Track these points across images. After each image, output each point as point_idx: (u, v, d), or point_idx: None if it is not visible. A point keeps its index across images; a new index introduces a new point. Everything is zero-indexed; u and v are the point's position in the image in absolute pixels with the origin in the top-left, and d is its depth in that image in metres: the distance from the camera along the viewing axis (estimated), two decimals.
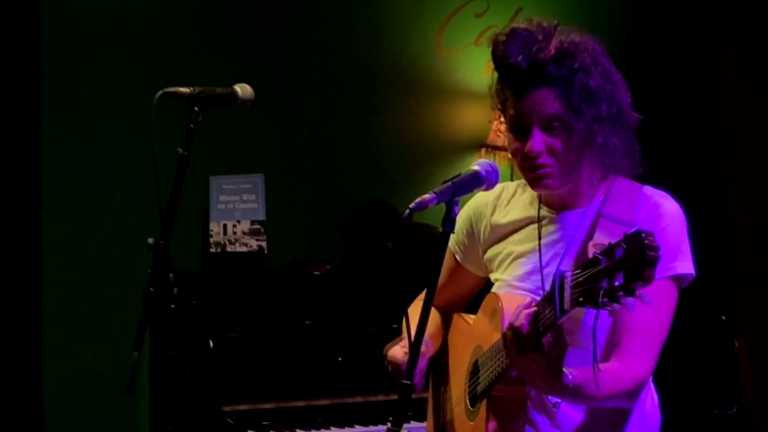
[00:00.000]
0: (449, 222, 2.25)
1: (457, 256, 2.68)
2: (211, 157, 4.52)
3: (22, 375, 4.52)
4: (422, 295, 2.75)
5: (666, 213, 2.38)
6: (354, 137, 5.14)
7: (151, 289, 2.64)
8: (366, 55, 5.16)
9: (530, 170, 2.39)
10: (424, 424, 2.86)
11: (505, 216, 2.56)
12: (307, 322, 4.30)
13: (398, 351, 2.55)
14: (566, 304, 2.04)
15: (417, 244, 4.70)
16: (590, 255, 1.98)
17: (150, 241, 2.64)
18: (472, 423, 2.44)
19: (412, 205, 2.21)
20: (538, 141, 2.36)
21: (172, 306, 2.56)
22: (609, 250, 1.94)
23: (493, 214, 2.59)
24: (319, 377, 4.20)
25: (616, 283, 1.91)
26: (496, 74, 2.44)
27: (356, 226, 4.71)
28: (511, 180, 2.67)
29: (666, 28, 5.53)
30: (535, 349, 2.15)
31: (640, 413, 2.43)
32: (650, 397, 2.47)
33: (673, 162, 5.36)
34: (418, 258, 4.62)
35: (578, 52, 2.35)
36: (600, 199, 2.43)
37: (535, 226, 2.48)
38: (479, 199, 2.61)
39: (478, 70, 5.33)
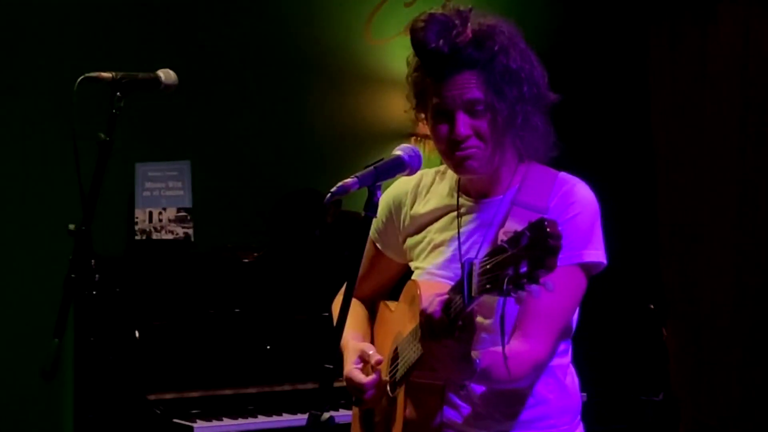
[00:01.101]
0: (371, 207, 2.24)
1: (377, 244, 2.68)
2: (137, 143, 4.48)
3: None
4: (343, 289, 2.77)
5: (578, 201, 2.39)
6: (283, 124, 5.13)
7: (73, 275, 2.61)
8: (296, 42, 5.14)
9: (455, 154, 2.40)
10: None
11: (425, 205, 2.57)
12: (235, 310, 4.28)
13: (356, 372, 2.52)
14: (474, 291, 2.05)
15: (344, 231, 4.72)
16: (499, 242, 2.00)
17: (71, 227, 2.62)
18: (390, 409, 2.45)
19: (333, 189, 2.19)
20: (463, 125, 2.37)
21: (94, 292, 2.54)
22: (515, 238, 1.95)
23: (413, 204, 2.59)
24: (247, 365, 4.19)
25: (521, 271, 1.92)
26: (413, 62, 2.44)
27: (283, 213, 4.70)
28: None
29: (593, 18, 5.58)
30: (446, 334, 2.15)
31: (561, 392, 2.45)
32: (570, 375, 2.49)
33: (601, 152, 5.41)
34: (346, 246, 4.64)
35: (496, 34, 2.36)
36: (516, 186, 2.44)
37: (455, 214, 2.49)
38: (398, 187, 2.61)
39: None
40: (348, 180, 2.22)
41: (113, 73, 2.68)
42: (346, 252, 4.61)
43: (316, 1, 5.20)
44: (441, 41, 2.33)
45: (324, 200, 2.17)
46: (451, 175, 2.55)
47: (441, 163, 2.57)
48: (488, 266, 2.01)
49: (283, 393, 4.21)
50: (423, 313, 2.19)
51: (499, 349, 2.21)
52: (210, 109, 4.93)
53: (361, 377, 2.48)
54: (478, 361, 2.21)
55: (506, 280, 1.93)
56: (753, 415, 5.04)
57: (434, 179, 2.59)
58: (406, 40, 5.29)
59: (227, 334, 4.23)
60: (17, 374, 4.50)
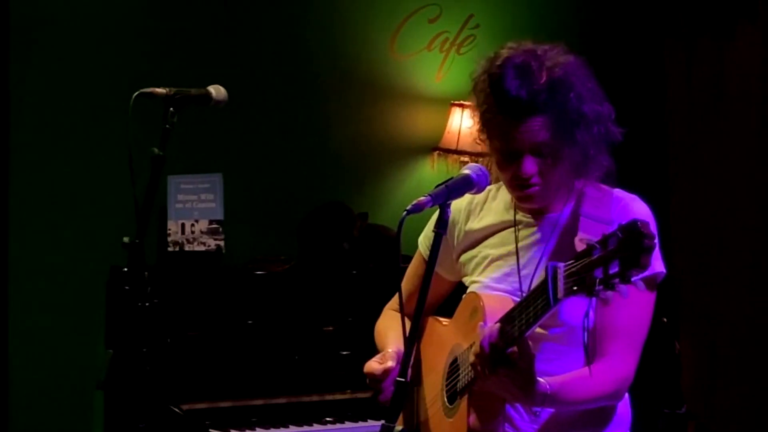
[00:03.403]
0: (442, 224, 2.31)
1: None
2: (169, 156, 4.52)
3: None
4: (390, 304, 2.83)
5: (638, 214, 2.44)
6: (310, 139, 5.18)
7: (127, 288, 2.65)
8: (322, 59, 5.20)
9: (520, 189, 2.46)
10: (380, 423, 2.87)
11: (480, 221, 2.62)
12: (264, 321, 4.32)
13: (372, 363, 2.61)
14: (560, 293, 2.10)
15: (372, 245, 4.78)
16: (578, 249, 2.05)
17: (125, 239, 2.66)
18: (450, 420, 2.48)
19: (409, 207, 2.26)
20: (530, 165, 2.42)
21: (147, 304, 2.59)
22: (603, 241, 2.01)
23: (467, 220, 2.64)
24: (276, 376, 4.23)
25: (611, 271, 1.98)
26: (483, 94, 2.46)
27: (312, 226, 4.74)
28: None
29: (610, 34, 5.63)
30: (503, 363, 2.21)
31: (615, 410, 2.50)
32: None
33: (617, 168, 5.45)
34: (372, 259, 4.69)
35: (569, 77, 2.41)
36: (573, 201, 2.50)
37: (512, 230, 2.55)
38: (452, 205, 2.65)
39: (431, 74, 5.41)
40: (422, 198, 2.29)
41: (167, 89, 2.73)
42: (370, 264, 4.70)
43: (343, 17, 5.26)
44: (522, 91, 2.37)
45: (400, 218, 2.22)
46: (505, 192, 2.60)
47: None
48: (574, 269, 2.06)
49: (311, 403, 4.24)
50: (474, 351, 2.25)
51: (577, 371, 2.27)
52: (241, 123, 4.99)
53: (376, 365, 2.57)
54: (547, 386, 2.27)
55: (597, 281, 1.99)
56: (766, 429, 5.08)
57: (488, 196, 2.64)
58: (429, 56, 5.47)
59: (257, 344, 4.26)
60: (59, 384, 4.58)
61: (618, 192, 2.50)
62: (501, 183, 2.62)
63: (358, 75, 5.26)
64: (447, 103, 5.29)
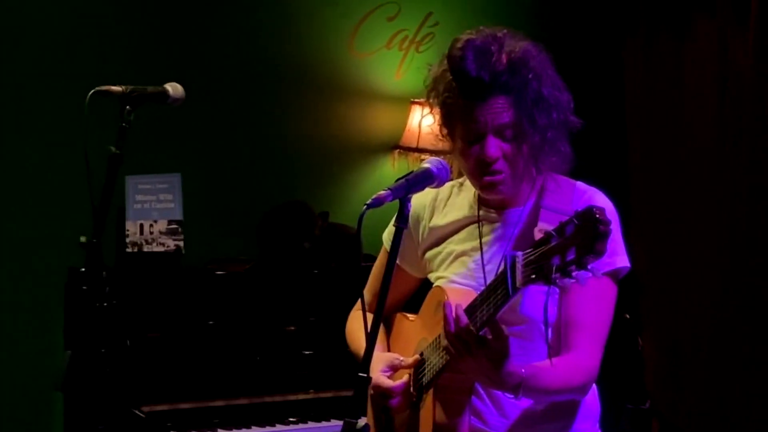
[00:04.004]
0: (403, 218, 2.29)
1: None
2: (127, 156, 4.48)
3: None
4: (359, 305, 2.81)
5: (599, 205, 2.44)
6: (270, 138, 5.17)
7: (85, 288, 2.63)
8: (281, 57, 5.19)
9: (484, 176, 2.46)
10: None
11: (444, 218, 2.62)
12: (225, 322, 4.30)
13: (378, 376, 2.55)
14: (518, 282, 2.10)
15: (333, 244, 4.77)
16: (536, 238, 2.05)
17: (82, 239, 2.63)
18: (418, 414, 2.48)
19: (369, 201, 2.25)
20: (494, 147, 2.42)
21: (105, 304, 2.57)
22: (560, 228, 2.01)
23: (431, 217, 2.64)
24: (238, 377, 4.21)
25: (568, 258, 1.98)
26: (445, 82, 2.47)
27: (273, 225, 4.72)
28: None
29: (568, 31, 5.65)
30: (477, 345, 2.20)
31: (583, 403, 2.51)
32: (592, 388, 2.54)
33: (575, 166, 5.45)
34: (333, 258, 4.68)
35: (529, 61, 2.43)
36: (536, 195, 2.50)
37: (476, 225, 2.55)
38: (415, 201, 2.64)
39: (390, 73, 5.40)
40: (382, 192, 2.27)
41: (123, 87, 2.71)
42: (332, 264, 4.69)
43: (301, 16, 5.24)
44: (482, 71, 2.39)
45: (361, 212, 2.20)
46: (469, 188, 2.61)
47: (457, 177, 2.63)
48: (532, 257, 2.07)
49: (274, 404, 4.23)
50: (448, 332, 2.24)
51: (545, 361, 2.29)
52: (200, 122, 4.97)
53: (389, 382, 2.51)
54: (522, 369, 2.27)
55: (554, 268, 1.98)
56: (730, 424, 5.10)
57: (451, 192, 2.64)
58: (389, 54, 5.44)
59: (218, 345, 4.25)
60: (9, 385, 4.53)
61: (580, 185, 2.50)
62: (465, 179, 2.62)
63: (318, 74, 5.25)
64: (407, 101, 5.29)
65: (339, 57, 5.30)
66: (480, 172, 2.46)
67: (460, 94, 2.44)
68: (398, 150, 5.29)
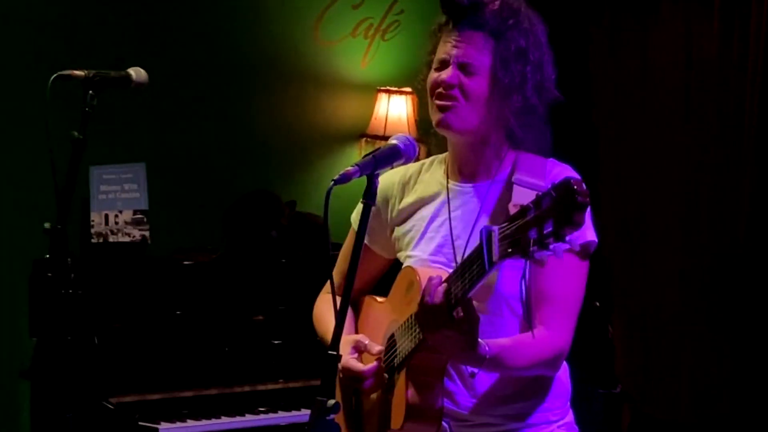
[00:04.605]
0: (371, 195, 2.27)
1: (364, 239, 2.69)
2: (91, 146, 4.44)
3: None
4: (326, 287, 2.78)
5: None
6: (235, 126, 5.14)
7: (49, 274, 2.60)
8: (246, 45, 5.17)
9: (438, 99, 2.45)
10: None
11: (413, 195, 2.59)
12: (192, 312, 4.27)
13: (347, 359, 2.51)
14: (495, 257, 2.07)
15: (301, 233, 4.74)
16: (519, 208, 2.02)
17: (47, 225, 2.60)
18: (389, 395, 2.46)
19: (336, 177, 2.22)
20: (453, 74, 2.41)
21: (71, 291, 2.55)
22: (537, 201, 1.98)
23: (401, 196, 2.61)
24: (207, 367, 4.18)
25: (546, 231, 1.95)
26: (437, 23, 2.49)
27: (239, 214, 4.69)
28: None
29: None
30: (447, 323, 2.18)
31: (555, 381, 2.49)
32: (563, 365, 2.53)
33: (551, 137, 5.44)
34: (301, 247, 4.65)
35: (521, 15, 2.43)
36: (507, 170, 2.47)
37: (444, 199, 2.52)
38: (384, 180, 2.61)
39: (356, 61, 5.38)
40: (349, 168, 2.25)
41: (86, 72, 2.68)
42: (300, 252, 4.66)
43: (265, 4, 5.21)
44: (472, 2, 2.39)
45: (328, 188, 2.18)
46: (437, 165, 2.59)
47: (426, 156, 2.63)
48: (508, 231, 2.04)
49: (243, 394, 4.20)
50: (422, 304, 2.22)
51: (516, 336, 2.27)
52: (164, 111, 4.93)
53: (360, 365, 2.48)
54: (486, 348, 2.25)
55: (531, 241, 1.96)
56: (699, 409, 5.12)
57: (420, 170, 2.62)
58: (354, 42, 5.42)
59: (186, 336, 4.21)
60: None
61: (552, 161, 2.48)
62: (434, 158, 2.61)
63: (283, 62, 5.22)
64: (373, 89, 5.27)
65: (304, 46, 5.28)
66: (433, 94, 2.45)
67: (444, 23, 2.45)
68: (365, 138, 5.27)
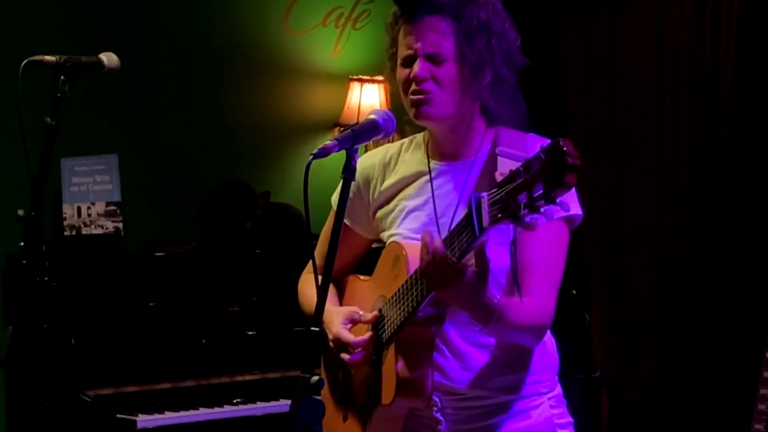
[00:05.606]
0: (350, 170, 2.25)
1: (346, 220, 2.67)
2: (62, 137, 4.40)
3: None
4: (309, 268, 2.76)
5: None
6: (208, 117, 5.11)
7: (24, 261, 2.57)
8: (216, 35, 5.13)
9: (412, 95, 2.44)
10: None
11: (395, 175, 2.58)
12: (167, 304, 4.25)
13: (339, 330, 2.49)
14: (485, 222, 2.06)
15: (275, 223, 4.72)
16: (508, 172, 2.01)
17: (20, 212, 2.57)
18: (379, 371, 2.45)
19: (315, 152, 2.20)
20: (422, 68, 2.40)
21: (46, 279, 2.52)
22: (526, 165, 1.97)
23: (383, 177, 2.60)
24: (183, 359, 4.16)
25: (536, 194, 1.94)
26: (392, 15, 2.48)
27: (213, 205, 4.67)
28: None
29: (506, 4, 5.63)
30: (457, 276, 2.19)
31: (542, 350, 2.49)
32: (548, 337, 2.52)
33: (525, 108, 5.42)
34: (276, 237, 4.63)
35: None
36: (488, 146, 2.47)
37: (427, 178, 2.51)
38: (364, 162, 2.61)
39: (327, 50, 5.36)
40: (328, 143, 2.24)
41: (57, 57, 2.66)
42: (275, 243, 4.63)
43: None
44: None
45: (307, 162, 2.15)
46: (418, 144, 2.58)
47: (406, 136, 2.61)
48: (497, 197, 2.03)
49: (220, 385, 4.19)
50: (429, 259, 2.20)
51: (506, 298, 2.26)
52: (136, 102, 4.89)
53: (351, 336, 2.46)
54: (495, 301, 2.25)
55: (521, 205, 1.95)
56: (676, 393, 5.13)
57: (401, 150, 2.61)
58: (324, 32, 5.38)
59: (162, 328, 4.20)
60: None
61: (532, 135, 2.47)
62: (415, 136, 2.60)
63: (254, 52, 5.19)
64: (345, 78, 5.24)
65: (274, 35, 5.25)
66: (406, 90, 2.44)
67: (400, 15, 2.44)
68: (338, 128, 5.23)
